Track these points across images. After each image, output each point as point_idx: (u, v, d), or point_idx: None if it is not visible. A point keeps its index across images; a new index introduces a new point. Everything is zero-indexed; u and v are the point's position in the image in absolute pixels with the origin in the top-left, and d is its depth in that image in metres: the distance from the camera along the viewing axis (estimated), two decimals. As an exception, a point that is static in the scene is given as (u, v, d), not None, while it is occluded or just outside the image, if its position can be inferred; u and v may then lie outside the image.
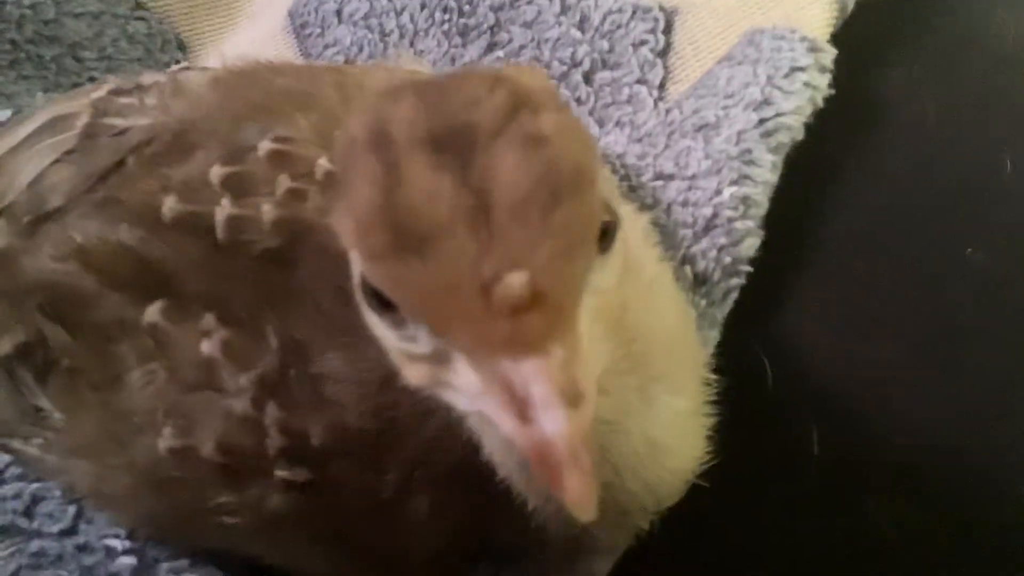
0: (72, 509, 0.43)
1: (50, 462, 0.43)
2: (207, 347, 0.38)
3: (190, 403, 0.38)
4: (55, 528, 0.42)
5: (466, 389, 0.25)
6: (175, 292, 0.39)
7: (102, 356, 0.40)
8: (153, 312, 0.39)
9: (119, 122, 0.44)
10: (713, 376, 0.40)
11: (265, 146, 0.39)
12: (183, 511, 0.40)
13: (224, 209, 0.38)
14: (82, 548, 0.42)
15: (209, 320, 0.38)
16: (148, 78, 0.47)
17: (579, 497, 0.23)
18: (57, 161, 0.43)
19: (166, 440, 0.38)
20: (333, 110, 0.41)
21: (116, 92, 0.46)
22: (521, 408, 0.23)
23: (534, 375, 0.23)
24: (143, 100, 0.45)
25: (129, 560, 0.42)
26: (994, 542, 0.42)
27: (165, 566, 0.42)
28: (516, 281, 0.23)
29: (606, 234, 0.26)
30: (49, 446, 0.42)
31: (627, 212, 0.41)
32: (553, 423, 0.23)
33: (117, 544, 0.42)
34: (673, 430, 0.36)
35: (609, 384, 0.31)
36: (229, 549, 0.42)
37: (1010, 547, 0.42)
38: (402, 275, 0.24)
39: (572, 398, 0.23)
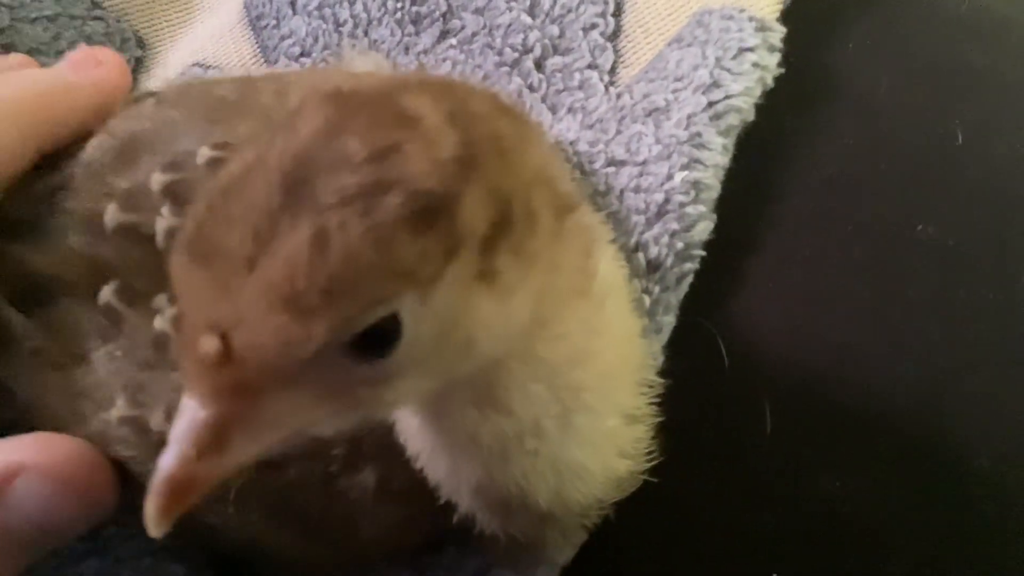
0: None
1: None
2: (159, 323, 0.39)
3: (143, 378, 0.40)
4: None
5: None
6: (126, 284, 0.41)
7: (62, 341, 0.42)
8: (107, 292, 0.40)
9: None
10: (658, 379, 0.41)
11: (204, 153, 0.40)
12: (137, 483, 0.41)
13: (164, 219, 0.39)
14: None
15: (161, 299, 0.39)
16: None
17: (149, 519, 0.27)
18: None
19: (118, 410, 0.40)
20: (272, 117, 0.41)
21: None
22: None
23: (184, 416, 0.26)
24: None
25: (93, 562, 0.43)
26: (952, 515, 0.43)
27: (129, 564, 0.43)
28: (208, 343, 0.25)
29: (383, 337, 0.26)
30: (13, 424, 0.43)
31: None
32: (166, 458, 0.26)
33: (80, 546, 0.43)
34: (591, 451, 0.36)
35: (523, 410, 0.32)
36: (190, 533, 0.43)
37: (968, 519, 0.43)
38: (177, 287, 0.27)
39: (204, 451, 0.26)
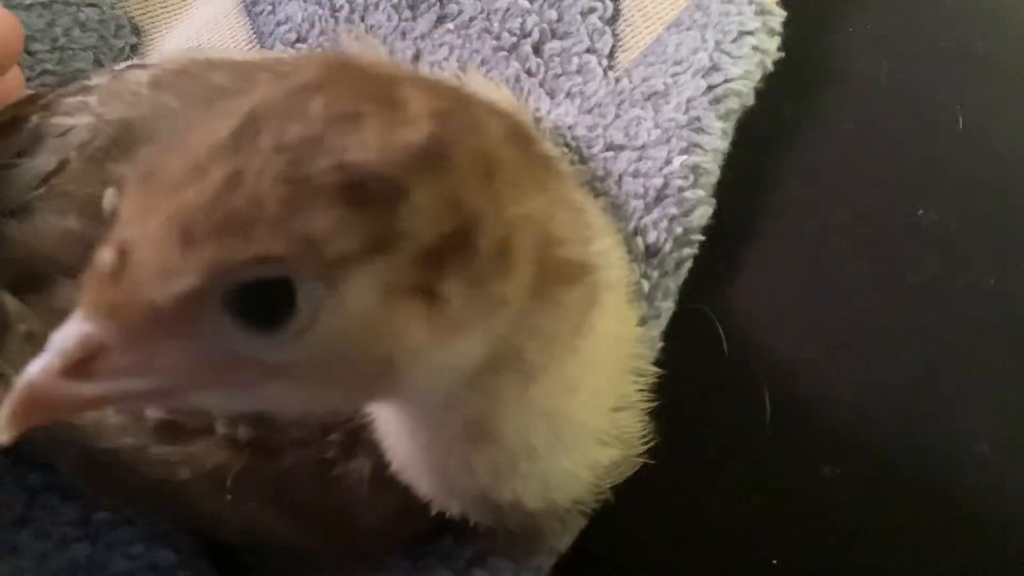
0: (24, 497, 0.44)
1: None
2: None
3: None
4: (8, 518, 0.43)
5: None
6: None
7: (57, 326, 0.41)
8: None
9: (65, 121, 0.45)
10: (651, 367, 0.40)
11: None
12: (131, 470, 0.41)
13: None
14: (37, 536, 0.43)
15: None
16: (94, 79, 0.48)
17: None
18: (5, 165, 0.45)
19: None
20: None
21: (63, 94, 0.47)
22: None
23: (64, 328, 0.25)
24: (87, 100, 0.45)
25: (84, 547, 0.42)
26: (950, 504, 0.43)
27: (119, 551, 0.43)
28: (106, 255, 0.24)
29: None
30: None
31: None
32: (33, 364, 0.25)
33: (71, 531, 0.43)
34: (580, 456, 0.36)
35: (515, 440, 0.32)
36: (185, 517, 0.43)
37: (966, 508, 0.43)
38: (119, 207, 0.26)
39: (70, 368, 0.25)
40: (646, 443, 0.39)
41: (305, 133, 0.24)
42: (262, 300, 0.24)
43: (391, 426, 0.35)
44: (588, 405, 0.35)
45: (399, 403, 0.33)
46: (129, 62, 0.55)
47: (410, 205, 0.24)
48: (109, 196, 0.41)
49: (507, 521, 0.37)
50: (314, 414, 0.32)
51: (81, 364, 0.25)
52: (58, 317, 0.41)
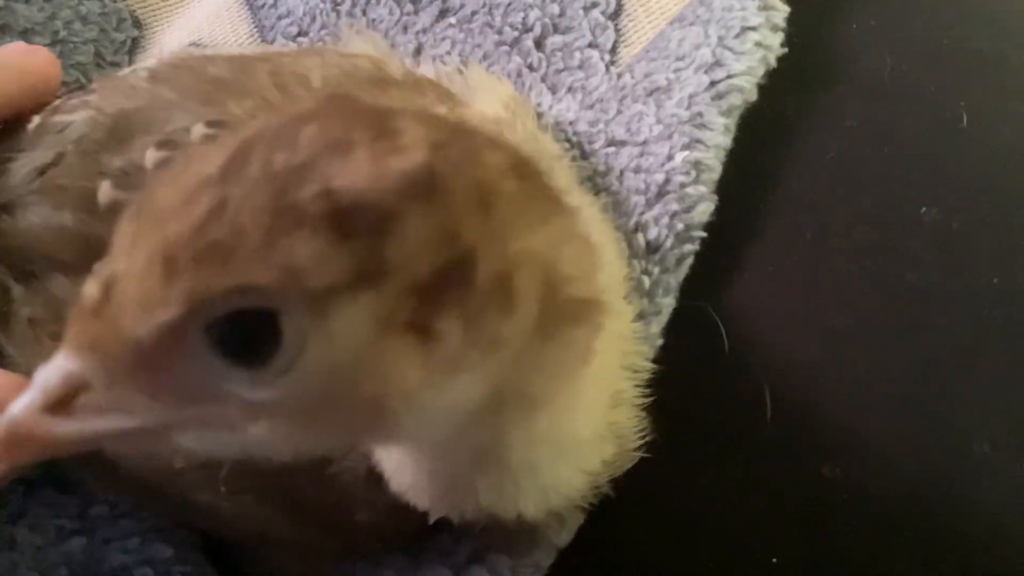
0: (21, 489, 0.44)
1: None
2: None
3: None
4: (4, 512, 0.43)
5: None
6: None
7: (57, 312, 0.41)
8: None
9: (65, 118, 0.45)
10: (648, 364, 0.40)
11: (198, 130, 0.39)
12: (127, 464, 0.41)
13: None
14: (33, 529, 0.43)
15: None
16: (96, 83, 0.49)
17: None
18: (6, 160, 0.45)
19: None
20: (267, 98, 0.41)
21: (68, 96, 0.48)
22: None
23: (48, 365, 0.25)
24: (88, 99, 0.46)
25: (80, 540, 0.42)
26: (953, 504, 0.42)
27: (116, 545, 0.43)
28: (90, 289, 0.24)
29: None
30: None
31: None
32: (16, 402, 0.25)
33: (67, 524, 0.43)
34: (576, 462, 0.36)
35: (520, 461, 0.32)
36: (183, 511, 0.43)
37: (966, 509, 0.42)
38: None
39: (52, 405, 0.24)
40: (642, 438, 0.39)
41: (293, 161, 0.23)
42: (247, 334, 0.23)
43: (392, 451, 0.35)
44: (587, 416, 0.35)
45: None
46: (133, 67, 0.55)
47: (402, 235, 0.23)
48: (104, 189, 0.40)
49: (506, 521, 0.37)
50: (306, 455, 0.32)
51: (64, 401, 0.25)
52: (57, 305, 0.42)
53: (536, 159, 0.28)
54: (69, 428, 0.25)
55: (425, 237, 0.23)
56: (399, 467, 0.35)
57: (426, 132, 0.24)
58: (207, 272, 0.22)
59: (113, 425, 0.25)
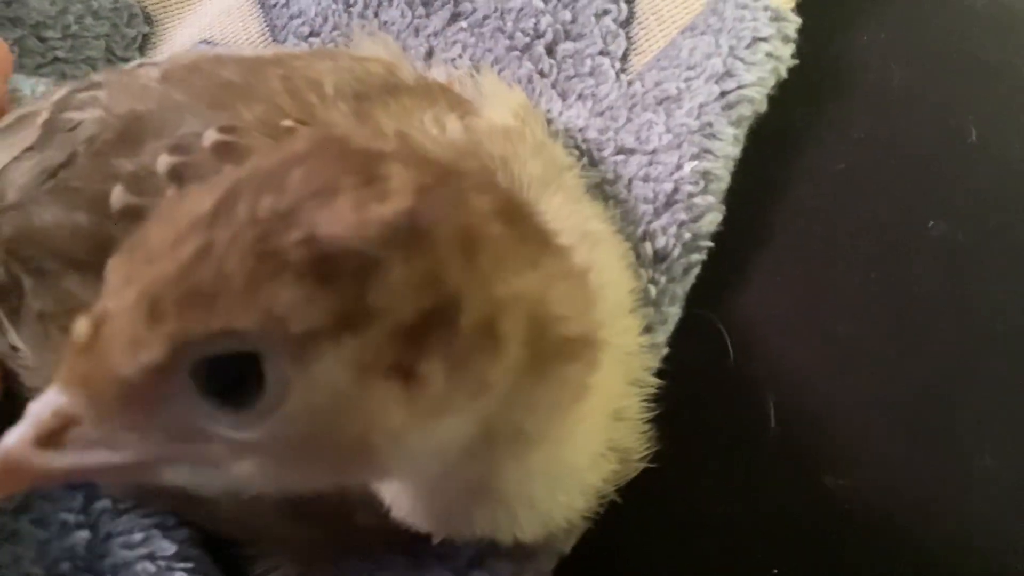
0: None
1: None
2: None
3: None
4: (10, 505, 0.43)
5: None
6: None
7: (68, 305, 0.42)
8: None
9: (75, 116, 0.45)
10: (653, 379, 0.40)
11: (210, 136, 0.39)
12: None
13: None
14: (37, 523, 0.43)
15: None
16: (104, 75, 0.48)
17: None
18: (17, 158, 0.45)
19: None
20: (278, 102, 0.41)
21: (75, 90, 0.47)
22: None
23: (41, 399, 0.26)
24: (97, 95, 0.45)
25: (83, 534, 0.43)
26: (956, 516, 0.43)
27: (119, 540, 0.43)
28: (81, 326, 0.24)
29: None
30: (21, 384, 0.44)
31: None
32: (9, 434, 0.25)
33: (71, 518, 0.43)
34: (576, 488, 0.36)
35: (517, 492, 0.32)
36: (181, 506, 0.44)
37: (970, 519, 0.42)
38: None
39: (43, 438, 0.25)
40: (645, 453, 0.39)
41: (278, 206, 0.23)
42: (231, 376, 0.24)
43: (390, 482, 0.35)
44: (585, 443, 0.35)
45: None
46: (140, 60, 0.55)
47: (384, 281, 0.23)
48: (117, 193, 0.41)
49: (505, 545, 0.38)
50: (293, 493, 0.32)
51: (55, 434, 0.25)
52: (68, 299, 0.42)
53: (528, 203, 0.29)
54: (59, 461, 0.26)
55: (408, 282, 0.24)
56: (397, 496, 0.35)
57: (412, 177, 0.25)
58: (190, 315, 0.23)
59: (102, 460, 0.26)
